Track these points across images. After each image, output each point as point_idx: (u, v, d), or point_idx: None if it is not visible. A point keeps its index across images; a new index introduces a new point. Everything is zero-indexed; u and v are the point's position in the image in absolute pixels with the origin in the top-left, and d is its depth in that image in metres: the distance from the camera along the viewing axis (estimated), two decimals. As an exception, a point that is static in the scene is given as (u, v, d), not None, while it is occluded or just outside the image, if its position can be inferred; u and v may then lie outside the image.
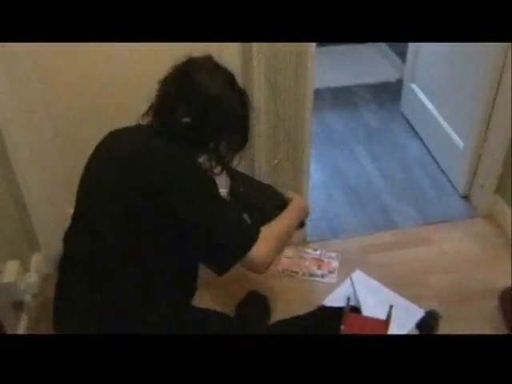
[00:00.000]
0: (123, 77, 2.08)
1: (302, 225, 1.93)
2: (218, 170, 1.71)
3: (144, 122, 1.66)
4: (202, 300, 2.07)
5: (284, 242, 1.76)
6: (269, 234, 1.67)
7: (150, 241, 1.55)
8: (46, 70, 2.00)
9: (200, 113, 1.57)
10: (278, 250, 1.73)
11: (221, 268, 1.64)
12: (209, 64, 1.62)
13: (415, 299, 2.22)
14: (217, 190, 1.62)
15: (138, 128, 1.67)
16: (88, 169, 1.69)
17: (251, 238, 1.63)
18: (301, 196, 2.02)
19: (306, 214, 1.95)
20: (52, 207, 2.24)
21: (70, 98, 2.08)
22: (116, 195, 1.56)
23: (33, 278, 2.00)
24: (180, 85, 1.58)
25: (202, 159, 1.67)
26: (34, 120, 2.05)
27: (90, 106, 2.10)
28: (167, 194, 1.51)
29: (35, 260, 2.23)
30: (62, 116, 2.10)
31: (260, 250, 1.62)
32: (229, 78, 1.63)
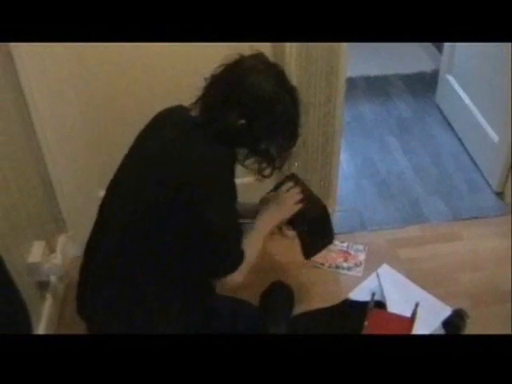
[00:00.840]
0: (152, 67, 2.06)
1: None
2: (267, 172, 1.68)
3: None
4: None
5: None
6: (248, 261, 1.67)
7: (168, 236, 1.57)
8: (76, 54, 1.99)
9: (253, 115, 1.55)
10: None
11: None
12: (259, 63, 1.58)
13: (443, 297, 2.18)
14: (235, 200, 1.64)
15: (185, 117, 1.65)
16: (130, 151, 1.69)
17: (239, 261, 1.64)
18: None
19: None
20: (80, 189, 2.24)
21: (98, 78, 2.06)
22: (146, 184, 1.57)
23: (58, 259, 2.02)
24: (232, 86, 1.55)
25: (250, 161, 1.65)
26: (63, 102, 2.04)
27: (118, 88, 2.08)
28: (195, 190, 1.51)
29: (62, 241, 2.24)
30: (91, 97, 2.08)
31: (237, 277, 1.65)
32: (280, 76, 1.60)
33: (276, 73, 1.59)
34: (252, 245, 1.71)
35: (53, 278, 2.08)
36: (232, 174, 1.63)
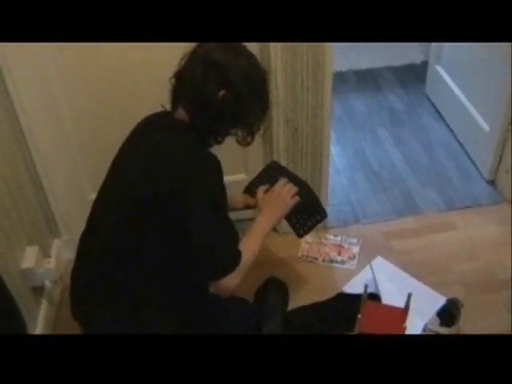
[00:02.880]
0: (140, 65, 2.06)
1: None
2: (249, 139, 1.72)
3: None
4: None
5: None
6: (245, 263, 1.66)
7: (160, 237, 1.59)
8: (64, 55, 1.99)
9: (229, 84, 1.57)
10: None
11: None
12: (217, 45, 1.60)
13: (438, 286, 2.19)
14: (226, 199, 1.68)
15: (170, 120, 1.66)
16: (116, 159, 1.72)
17: (236, 262, 1.64)
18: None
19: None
20: (72, 193, 2.25)
21: (87, 80, 2.06)
22: (133, 188, 1.59)
23: (52, 263, 2.02)
24: (204, 66, 1.56)
25: (234, 132, 1.69)
26: (51, 104, 2.04)
27: (110, 92, 2.08)
28: (184, 193, 1.53)
29: (56, 246, 2.24)
30: (81, 98, 2.08)
31: (234, 279, 1.64)
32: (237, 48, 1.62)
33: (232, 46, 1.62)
34: (250, 246, 1.71)
35: (48, 283, 2.08)
36: (221, 176, 1.64)
